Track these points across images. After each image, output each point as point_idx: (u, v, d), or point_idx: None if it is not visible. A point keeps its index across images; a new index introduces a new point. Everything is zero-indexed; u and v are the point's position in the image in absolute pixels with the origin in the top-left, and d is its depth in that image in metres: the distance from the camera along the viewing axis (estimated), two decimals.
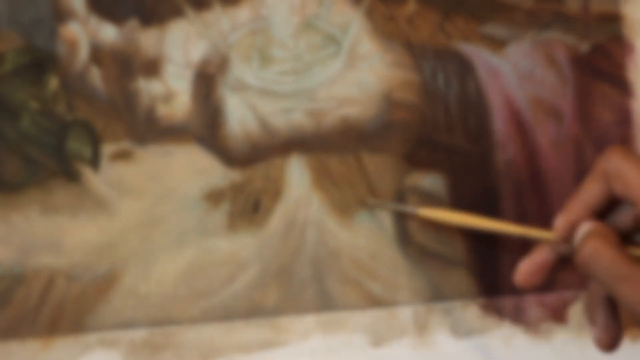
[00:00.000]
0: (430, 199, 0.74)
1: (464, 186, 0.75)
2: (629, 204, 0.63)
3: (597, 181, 0.63)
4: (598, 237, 0.62)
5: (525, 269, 0.65)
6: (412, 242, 0.74)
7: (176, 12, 0.72)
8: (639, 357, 0.76)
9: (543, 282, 0.66)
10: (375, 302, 0.73)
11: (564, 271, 0.66)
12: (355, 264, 0.73)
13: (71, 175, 0.70)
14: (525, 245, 0.75)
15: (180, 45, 0.72)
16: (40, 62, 0.70)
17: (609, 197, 0.63)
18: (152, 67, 0.71)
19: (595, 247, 0.61)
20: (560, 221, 0.64)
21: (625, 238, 0.63)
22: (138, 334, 0.70)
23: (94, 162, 0.70)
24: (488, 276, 0.75)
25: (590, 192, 0.63)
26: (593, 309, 0.64)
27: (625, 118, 0.78)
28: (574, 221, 0.64)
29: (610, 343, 0.65)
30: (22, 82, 0.70)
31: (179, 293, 0.71)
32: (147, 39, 0.71)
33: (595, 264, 0.61)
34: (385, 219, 0.74)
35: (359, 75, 0.74)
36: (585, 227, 0.63)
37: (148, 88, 0.71)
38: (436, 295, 0.74)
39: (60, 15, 0.70)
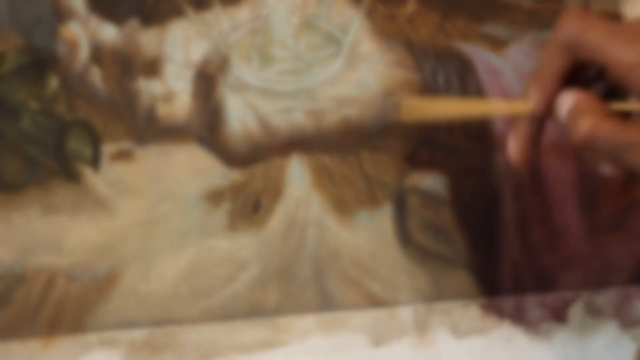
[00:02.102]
0: (430, 199, 0.74)
1: (464, 186, 0.75)
2: (594, 68, 0.62)
3: (560, 52, 0.62)
4: (588, 112, 0.61)
5: (516, 144, 0.65)
6: (412, 242, 0.74)
7: (176, 12, 0.72)
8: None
9: (535, 153, 0.65)
10: (375, 302, 0.73)
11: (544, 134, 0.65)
12: (355, 263, 0.73)
13: (71, 175, 0.70)
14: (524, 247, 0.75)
15: (181, 45, 0.72)
16: (41, 62, 0.70)
17: (574, 65, 0.62)
18: (153, 67, 0.71)
19: (590, 124, 0.60)
20: (536, 95, 0.63)
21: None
22: (138, 334, 0.70)
23: (94, 162, 0.70)
24: (488, 276, 0.75)
25: (556, 65, 0.62)
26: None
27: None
28: (549, 94, 0.63)
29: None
30: (22, 82, 0.70)
31: (179, 293, 0.71)
32: (148, 39, 0.71)
33: (597, 141, 0.60)
34: (385, 219, 0.74)
35: (359, 75, 0.74)
36: (569, 101, 0.62)
37: (148, 88, 0.71)
38: (436, 295, 0.74)
39: (61, 15, 0.70)
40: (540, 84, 0.63)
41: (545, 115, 0.63)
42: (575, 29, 0.61)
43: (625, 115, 0.61)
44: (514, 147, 0.65)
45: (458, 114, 0.67)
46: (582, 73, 0.63)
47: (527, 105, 0.63)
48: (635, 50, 0.60)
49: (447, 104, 0.67)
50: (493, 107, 0.68)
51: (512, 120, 0.73)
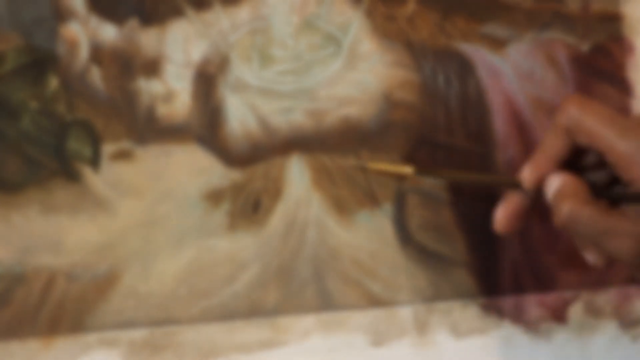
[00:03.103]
0: (430, 199, 0.74)
1: (464, 186, 0.75)
2: (594, 154, 0.63)
3: (560, 135, 0.64)
4: (571, 196, 0.62)
5: (502, 215, 0.67)
6: (412, 242, 0.74)
7: (176, 12, 0.72)
8: (639, 357, 0.77)
9: (521, 225, 0.67)
10: (375, 302, 0.73)
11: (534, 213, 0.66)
12: (355, 263, 0.73)
13: (71, 175, 0.70)
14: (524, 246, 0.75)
15: (181, 45, 0.72)
16: (41, 61, 0.70)
17: (573, 149, 0.64)
18: (153, 67, 0.71)
19: (571, 208, 0.61)
20: (528, 174, 0.65)
21: (593, 184, 0.64)
22: (138, 334, 0.70)
23: (94, 162, 0.70)
24: (488, 276, 0.75)
25: (554, 146, 0.64)
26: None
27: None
28: (541, 174, 0.65)
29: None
30: (22, 82, 0.70)
31: (179, 293, 0.71)
32: (147, 39, 0.71)
33: (576, 225, 0.61)
34: (385, 219, 0.74)
35: (359, 75, 0.74)
36: (555, 182, 0.63)
37: (148, 88, 0.71)
38: (436, 295, 0.74)
39: (61, 15, 0.70)
40: (536, 163, 0.65)
41: (535, 194, 0.65)
42: (575, 113, 0.63)
43: (617, 203, 0.63)
44: (500, 218, 0.67)
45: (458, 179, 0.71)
46: (583, 158, 0.64)
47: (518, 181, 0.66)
48: (629, 140, 0.61)
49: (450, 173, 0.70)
50: (485, 179, 0.70)
51: (512, 121, 0.74)
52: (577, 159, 0.66)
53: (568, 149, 0.64)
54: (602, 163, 0.65)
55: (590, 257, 0.64)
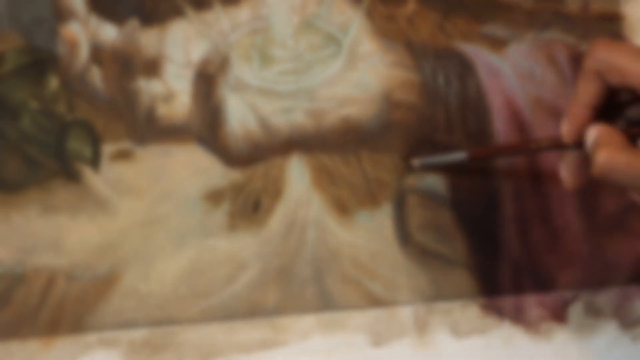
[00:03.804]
0: (430, 199, 0.74)
1: (464, 186, 0.75)
2: (628, 91, 0.63)
3: (591, 79, 0.64)
4: (607, 145, 0.62)
5: (567, 174, 0.67)
6: (412, 242, 0.74)
7: (176, 12, 0.72)
8: (639, 357, 0.77)
9: (587, 178, 0.67)
10: (375, 302, 0.73)
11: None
12: (355, 263, 0.73)
13: (71, 175, 0.70)
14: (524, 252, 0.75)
15: (181, 45, 0.72)
16: (41, 62, 0.70)
17: (607, 91, 0.64)
18: (153, 67, 0.71)
19: (607, 156, 0.62)
20: (567, 128, 0.65)
21: (630, 124, 0.64)
22: (138, 334, 0.70)
23: (94, 162, 0.70)
24: (488, 276, 0.75)
25: (588, 92, 0.64)
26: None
27: None
28: (580, 125, 0.65)
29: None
30: (22, 82, 0.70)
31: (179, 293, 0.71)
32: (148, 39, 0.71)
33: (613, 173, 0.61)
34: (385, 219, 0.74)
35: (359, 75, 0.74)
36: (592, 134, 0.63)
37: (148, 88, 0.71)
38: (436, 295, 0.74)
39: (61, 15, 0.70)
40: (572, 115, 0.65)
41: (574, 147, 0.65)
42: (603, 55, 0.63)
43: None
44: (566, 177, 0.68)
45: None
46: (616, 98, 0.64)
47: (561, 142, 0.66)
48: None
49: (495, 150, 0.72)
50: (533, 146, 0.70)
51: (512, 121, 0.74)
52: (612, 101, 0.65)
53: (601, 92, 0.64)
54: (637, 99, 0.65)
55: (636, 197, 0.65)
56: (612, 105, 0.66)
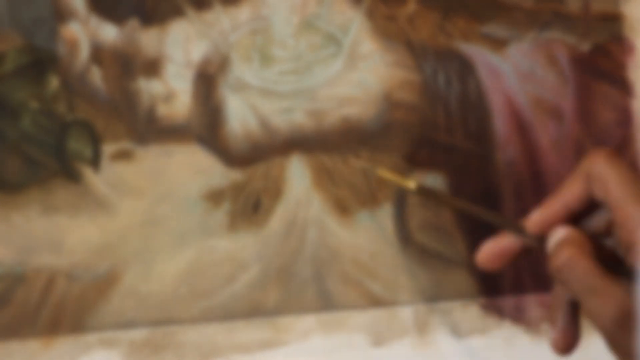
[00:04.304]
0: (430, 199, 0.74)
1: (464, 186, 0.75)
2: (605, 209, 0.62)
3: (579, 182, 0.63)
4: (574, 245, 0.61)
5: (489, 251, 0.66)
6: (412, 242, 0.74)
7: (177, 12, 0.72)
8: None
9: (503, 266, 0.66)
10: (375, 302, 0.73)
11: (523, 259, 0.66)
12: (355, 263, 0.73)
13: (72, 175, 0.70)
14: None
15: (181, 45, 0.72)
16: (41, 61, 0.70)
17: (588, 200, 0.63)
18: (153, 67, 0.71)
19: (570, 256, 0.61)
20: (537, 217, 0.64)
21: (595, 241, 0.63)
22: (138, 334, 0.70)
23: (95, 162, 0.70)
24: (488, 276, 0.75)
25: (571, 192, 0.63)
26: (556, 310, 0.64)
27: (625, 118, 0.77)
28: (550, 219, 0.64)
29: (565, 347, 0.65)
30: (22, 82, 0.70)
31: (180, 293, 0.71)
32: (148, 39, 0.71)
33: (569, 273, 0.61)
34: (386, 219, 0.74)
35: (360, 75, 0.74)
36: (561, 233, 0.63)
37: (148, 88, 0.71)
38: (436, 295, 0.74)
39: (61, 15, 0.70)
40: (549, 208, 0.63)
41: (534, 237, 0.63)
42: (600, 164, 0.62)
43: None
44: (485, 253, 0.66)
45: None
46: (591, 220, 0.64)
47: (522, 225, 0.65)
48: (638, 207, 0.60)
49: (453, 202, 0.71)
50: (490, 216, 0.69)
51: (512, 121, 0.73)
52: (587, 216, 0.65)
53: (583, 198, 0.63)
54: (607, 227, 0.64)
55: (557, 326, 0.64)
56: (583, 223, 0.65)
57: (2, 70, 0.69)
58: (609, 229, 0.63)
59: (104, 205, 0.70)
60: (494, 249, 0.66)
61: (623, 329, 0.59)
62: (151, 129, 0.71)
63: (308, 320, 0.72)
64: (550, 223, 0.64)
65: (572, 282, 0.61)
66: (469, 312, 0.74)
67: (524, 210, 0.75)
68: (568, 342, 0.64)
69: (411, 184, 0.70)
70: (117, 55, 0.71)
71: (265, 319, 0.72)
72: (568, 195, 0.63)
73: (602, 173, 0.62)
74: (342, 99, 0.73)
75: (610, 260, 0.62)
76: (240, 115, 0.72)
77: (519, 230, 0.64)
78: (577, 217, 0.64)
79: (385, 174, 0.72)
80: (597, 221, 0.64)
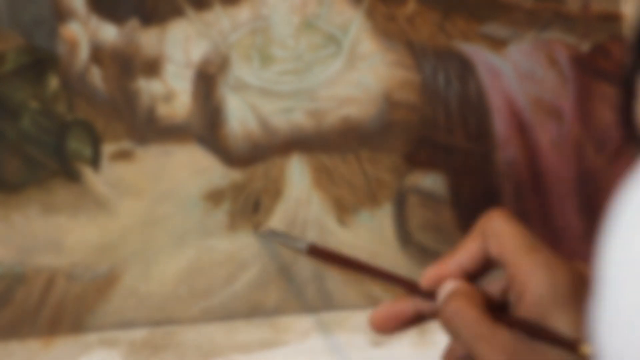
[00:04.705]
0: (430, 199, 0.74)
1: (464, 186, 0.75)
2: (501, 269, 0.62)
3: (475, 241, 0.62)
4: (462, 296, 0.61)
5: (381, 314, 0.64)
6: (412, 242, 0.74)
7: (176, 12, 0.72)
8: None
9: (395, 331, 0.64)
10: (375, 302, 0.73)
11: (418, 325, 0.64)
12: None
13: (71, 175, 0.70)
14: None
15: (181, 45, 0.72)
16: (41, 61, 0.70)
17: (484, 258, 0.62)
18: (153, 67, 0.71)
19: (458, 307, 0.60)
20: (429, 272, 0.63)
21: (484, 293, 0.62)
22: (138, 334, 0.70)
23: (95, 162, 0.70)
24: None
25: (467, 250, 0.62)
26: None
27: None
28: (443, 275, 0.62)
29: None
30: (22, 82, 0.70)
31: (180, 293, 0.71)
32: (148, 39, 0.71)
33: (457, 323, 0.60)
34: (385, 219, 0.74)
35: (360, 75, 0.74)
36: (450, 285, 0.62)
37: (148, 88, 0.71)
38: None
39: (61, 15, 0.70)
40: (442, 264, 0.62)
41: (426, 294, 0.63)
42: (497, 222, 0.62)
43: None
44: (377, 316, 0.63)
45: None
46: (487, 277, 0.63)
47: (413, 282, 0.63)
48: (533, 255, 0.60)
49: (345, 260, 0.69)
50: (386, 275, 0.68)
51: (512, 121, 0.73)
52: (483, 277, 0.64)
53: (479, 256, 0.62)
54: (503, 289, 0.63)
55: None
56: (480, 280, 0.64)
57: (2, 70, 0.69)
58: (504, 290, 0.63)
59: (104, 205, 0.70)
60: (386, 313, 0.63)
61: None
62: (151, 129, 0.71)
63: (308, 320, 0.72)
64: (443, 279, 0.62)
65: (461, 332, 0.60)
66: None
67: (524, 210, 0.75)
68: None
69: (300, 243, 0.70)
70: (117, 55, 0.71)
71: (265, 319, 0.72)
72: (463, 253, 0.62)
73: (497, 230, 0.61)
74: (342, 99, 0.73)
75: (498, 311, 0.61)
76: (240, 115, 0.72)
77: (411, 286, 0.63)
78: (472, 277, 0.63)
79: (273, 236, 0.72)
80: (494, 283, 0.63)
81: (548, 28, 0.77)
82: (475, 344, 0.59)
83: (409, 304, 0.63)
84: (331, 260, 0.70)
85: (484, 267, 0.62)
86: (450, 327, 0.60)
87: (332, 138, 0.73)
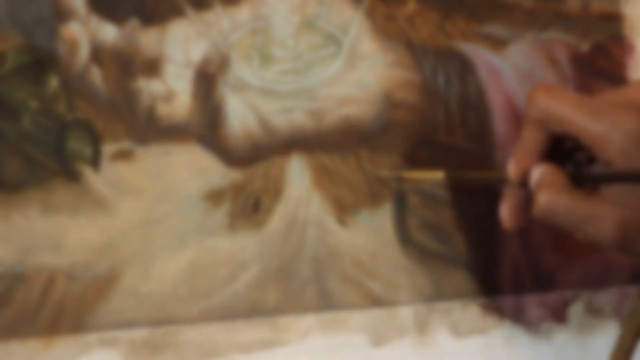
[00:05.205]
0: (430, 199, 0.74)
1: (464, 186, 0.75)
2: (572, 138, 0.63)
3: (534, 127, 0.64)
4: (549, 186, 0.62)
5: (507, 212, 0.67)
6: (412, 242, 0.74)
7: (176, 12, 0.72)
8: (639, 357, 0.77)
9: (526, 218, 0.67)
10: (375, 301, 0.73)
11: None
12: (355, 263, 0.73)
13: (71, 175, 0.70)
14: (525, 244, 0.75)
15: (181, 45, 0.72)
16: (41, 61, 0.70)
17: (551, 138, 0.64)
18: (153, 67, 0.71)
19: (548, 199, 0.62)
20: (512, 169, 0.65)
21: (577, 167, 0.64)
22: (138, 334, 0.70)
23: (95, 161, 0.70)
24: (488, 276, 0.75)
25: (532, 139, 0.64)
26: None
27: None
28: (524, 167, 0.65)
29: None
30: (22, 82, 0.70)
31: (180, 293, 0.71)
32: (148, 39, 0.71)
33: (554, 215, 0.62)
34: (385, 219, 0.74)
35: (360, 75, 0.74)
36: (535, 174, 0.64)
37: (148, 88, 0.71)
38: (436, 294, 0.74)
39: (61, 14, 0.70)
40: (517, 157, 0.65)
41: (523, 185, 0.65)
42: (544, 103, 0.63)
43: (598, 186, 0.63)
44: (506, 215, 0.67)
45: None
46: (562, 143, 0.65)
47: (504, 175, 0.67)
48: (599, 122, 0.61)
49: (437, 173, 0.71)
50: (478, 175, 0.70)
51: (512, 121, 0.73)
52: (558, 144, 0.66)
53: (545, 138, 0.64)
54: (579, 146, 0.65)
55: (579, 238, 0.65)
56: (560, 149, 0.66)
57: (2, 70, 0.69)
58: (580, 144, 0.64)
59: (104, 205, 0.70)
60: (510, 207, 0.67)
61: (629, 238, 0.60)
62: (151, 129, 0.71)
63: (308, 320, 0.72)
64: (525, 170, 0.65)
65: (561, 223, 0.62)
66: (469, 312, 0.75)
67: None
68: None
69: (438, 174, 0.71)
70: (117, 55, 0.71)
71: (265, 319, 0.72)
72: (531, 143, 0.64)
73: (550, 111, 0.63)
74: (342, 98, 0.73)
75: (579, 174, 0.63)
76: (240, 115, 0.72)
77: (507, 181, 0.66)
78: (555, 152, 0.65)
79: (412, 175, 0.72)
80: (568, 143, 0.65)
81: (548, 28, 0.77)
82: (580, 228, 0.61)
83: (518, 192, 0.65)
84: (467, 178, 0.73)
85: (559, 141, 0.63)
86: (548, 221, 0.62)
87: (332, 138, 0.73)
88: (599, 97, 0.64)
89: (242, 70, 0.72)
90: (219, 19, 0.72)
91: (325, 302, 0.72)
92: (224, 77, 0.72)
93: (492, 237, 0.74)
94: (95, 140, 0.70)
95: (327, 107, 0.73)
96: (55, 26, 0.70)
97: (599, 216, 0.61)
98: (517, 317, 0.75)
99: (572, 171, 0.64)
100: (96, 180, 0.70)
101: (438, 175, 0.71)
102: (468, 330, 0.74)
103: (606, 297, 0.77)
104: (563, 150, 0.66)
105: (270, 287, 0.72)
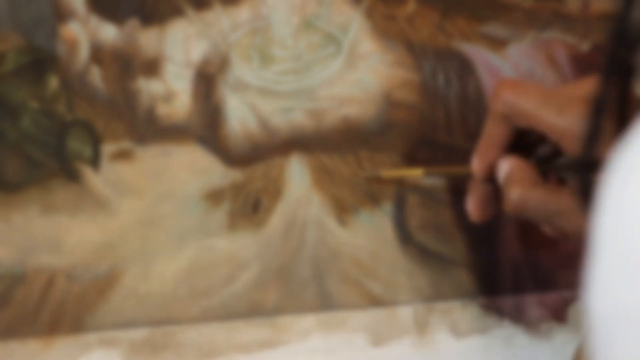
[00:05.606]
0: (430, 199, 0.74)
1: (464, 186, 0.75)
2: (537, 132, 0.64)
3: (499, 122, 0.64)
4: (520, 181, 0.62)
5: (474, 206, 0.67)
6: (412, 242, 0.74)
7: (176, 12, 0.72)
8: None
9: (493, 211, 0.67)
10: (375, 301, 0.73)
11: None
12: (355, 263, 0.73)
13: (71, 175, 0.70)
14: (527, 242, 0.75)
15: (181, 45, 0.72)
16: (41, 61, 0.70)
17: (515, 132, 0.64)
18: (152, 67, 0.71)
19: (519, 193, 0.62)
20: (477, 164, 0.65)
21: (541, 160, 0.64)
22: (138, 334, 0.70)
23: (94, 161, 0.70)
24: (488, 276, 0.75)
25: (496, 134, 0.64)
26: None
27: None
28: (489, 162, 0.65)
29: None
30: (22, 82, 0.70)
31: (179, 293, 0.71)
32: (147, 39, 0.71)
33: (526, 209, 0.62)
34: (385, 219, 0.74)
35: (359, 75, 0.74)
36: (503, 168, 0.64)
37: (148, 88, 0.71)
38: (436, 294, 0.74)
39: (61, 15, 0.70)
40: (481, 152, 0.65)
41: (489, 179, 0.65)
42: (510, 99, 0.63)
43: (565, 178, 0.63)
44: (471, 207, 0.68)
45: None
46: (525, 137, 0.65)
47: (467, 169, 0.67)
48: (566, 117, 0.61)
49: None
50: (443, 171, 0.70)
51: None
52: (522, 138, 0.66)
53: (510, 133, 0.65)
54: (542, 139, 0.65)
55: (548, 230, 0.65)
56: (523, 144, 0.66)
57: (2, 70, 0.69)
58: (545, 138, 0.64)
59: (104, 205, 0.70)
60: (477, 201, 0.67)
61: None
62: (151, 129, 0.71)
63: (308, 320, 0.72)
64: (490, 165, 0.65)
65: (533, 216, 0.62)
66: (469, 312, 0.75)
67: None
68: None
69: (416, 171, 0.71)
70: (116, 55, 0.71)
71: (265, 319, 0.72)
72: (495, 137, 0.65)
73: (515, 105, 0.63)
74: (342, 98, 0.73)
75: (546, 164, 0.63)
76: (240, 115, 0.72)
77: (470, 178, 0.66)
78: (518, 146, 0.65)
79: (389, 173, 0.72)
80: (532, 137, 0.65)
81: (548, 28, 0.77)
82: (553, 220, 0.61)
83: (485, 185, 0.65)
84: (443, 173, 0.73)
85: (523, 135, 0.63)
86: (521, 215, 0.62)
87: (331, 138, 0.73)
88: (565, 90, 0.64)
89: (242, 70, 0.72)
90: (219, 19, 0.72)
91: (325, 302, 0.72)
92: (223, 77, 0.72)
93: (492, 237, 0.74)
94: (95, 140, 0.70)
95: (326, 107, 0.73)
96: (55, 26, 0.70)
97: (572, 208, 0.61)
98: (517, 317, 0.75)
99: (537, 164, 0.64)
100: (96, 180, 0.70)
101: (417, 172, 0.71)
102: (468, 330, 0.74)
103: None
104: (525, 143, 0.66)
105: (270, 287, 0.72)
